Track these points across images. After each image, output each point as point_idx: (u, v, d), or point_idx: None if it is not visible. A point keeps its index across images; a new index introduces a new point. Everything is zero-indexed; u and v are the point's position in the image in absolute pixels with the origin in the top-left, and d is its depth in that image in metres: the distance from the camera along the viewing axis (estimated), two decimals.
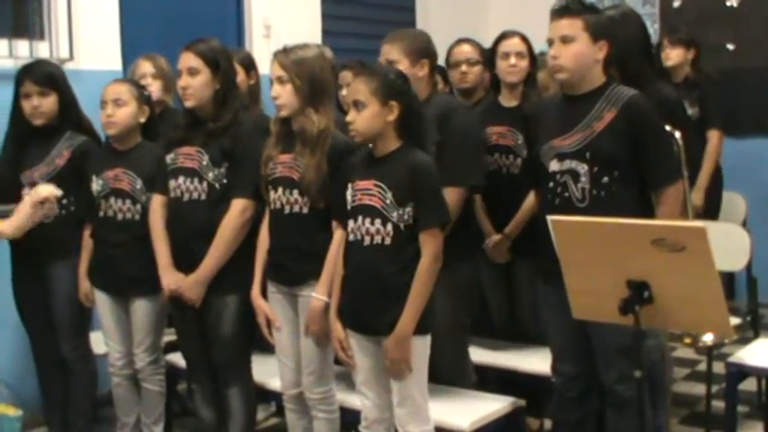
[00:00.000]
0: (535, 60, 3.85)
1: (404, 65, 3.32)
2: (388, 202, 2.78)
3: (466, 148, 3.39)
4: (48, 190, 3.35)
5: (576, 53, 2.94)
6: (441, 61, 4.38)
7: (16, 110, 3.70)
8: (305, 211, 3.08)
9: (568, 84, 3.02)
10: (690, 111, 4.91)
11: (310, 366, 3.14)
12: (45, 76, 3.67)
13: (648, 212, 2.94)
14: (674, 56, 5.07)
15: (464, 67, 4.07)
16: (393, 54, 3.38)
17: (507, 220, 3.75)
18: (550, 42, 2.99)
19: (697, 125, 4.84)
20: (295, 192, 3.08)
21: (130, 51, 4.58)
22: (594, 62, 2.97)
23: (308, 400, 3.19)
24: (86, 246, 3.65)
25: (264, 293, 3.23)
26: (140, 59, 4.13)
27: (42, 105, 3.65)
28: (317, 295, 3.03)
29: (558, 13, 2.99)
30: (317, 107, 3.07)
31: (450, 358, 3.39)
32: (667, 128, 3.18)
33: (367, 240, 2.80)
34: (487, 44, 4.18)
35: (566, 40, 2.94)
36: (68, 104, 3.73)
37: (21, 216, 3.33)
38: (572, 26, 2.94)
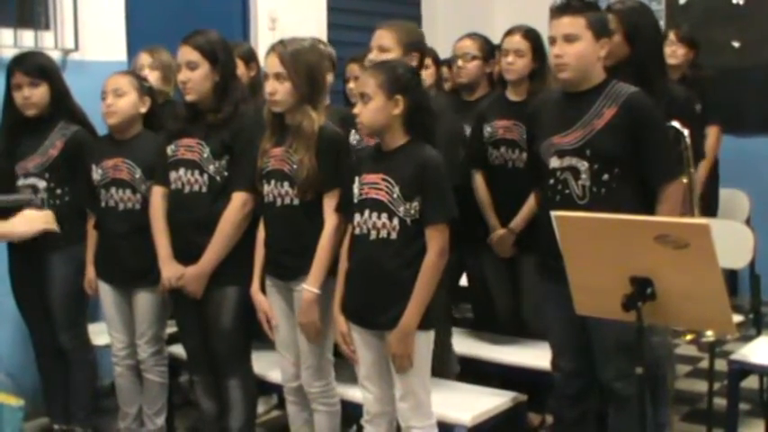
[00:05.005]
0: (543, 56, 3.77)
1: (395, 53, 3.29)
2: (395, 196, 2.78)
3: (451, 154, 3.33)
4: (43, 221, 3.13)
5: (580, 52, 2.92)
6: (447, 56, 4.39)
7: (8, 101, 3.68)
8: (295, 203, 3.07)
9: (570, 82, 3.00)
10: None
11: (307, 360, 3.15)
12: (35, 66, 3.65)
13: (649, 210, 2.92)
14: (680, 54, 5.02)
15: (460, 62, 4.05)
16: (386, 40, 3.33)
17: (512, 215, 3.74)
18: (552, 41, 2.97)
19: (698, 121, 4.83)
20: (285, 184, 3.08)
21: (136, 42, 4.57)
22: (597, 60, 2.95)
23: (308, 393, 3.19)
24: (91, 236, 3.65)
25: (264, 288, 3.23)
26: (141, 52, 4.13)
27: (33, 96, 3.63)
28: (308, 287, 3.02)
29: (559, 11, 2.95)
30: (314, 104, 3.07)
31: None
32: (677, 126, 3.17)
33: (373, 234, 2.80)
34: (493, 38, 4.17)
35: (569, 38, 2.92)
36: (60, 95, 3.72)
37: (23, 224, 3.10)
38: (575, 24, 2.91)
